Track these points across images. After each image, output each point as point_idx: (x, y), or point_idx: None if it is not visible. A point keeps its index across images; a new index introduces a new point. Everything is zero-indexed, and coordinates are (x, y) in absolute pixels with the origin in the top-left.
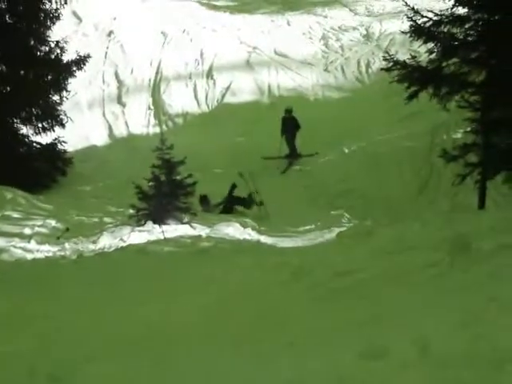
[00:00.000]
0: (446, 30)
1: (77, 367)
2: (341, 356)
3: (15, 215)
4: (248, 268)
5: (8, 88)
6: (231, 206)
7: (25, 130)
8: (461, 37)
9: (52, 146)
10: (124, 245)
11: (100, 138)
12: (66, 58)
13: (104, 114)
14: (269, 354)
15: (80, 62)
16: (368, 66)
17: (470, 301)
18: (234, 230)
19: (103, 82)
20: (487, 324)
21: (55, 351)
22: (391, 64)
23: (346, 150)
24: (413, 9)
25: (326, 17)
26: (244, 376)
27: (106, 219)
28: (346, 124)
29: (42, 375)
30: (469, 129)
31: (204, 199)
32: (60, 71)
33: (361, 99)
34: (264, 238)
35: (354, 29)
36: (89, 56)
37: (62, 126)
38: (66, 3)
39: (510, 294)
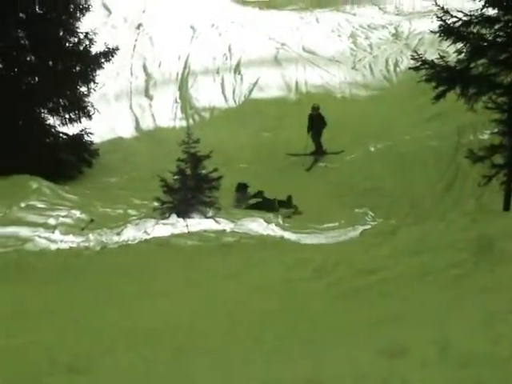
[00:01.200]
0: (475, 30)
1: (96, 358)
2: (360, 353)
3: (40, 205)
4: (271, 263)
5: (36, 78)
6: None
7: (52, 120)
8: (490, 38)
9: (79, 137)
10: (148, 237)
11: (126, 130)
12: (94, 49)
13: (131, 107)
14: (288, 351)
15: (108, 53)
16: (396, 64)
17: (493, 301)
18: (257, 225)
19: (131, 74)
20: (510, 324)
21: (76, 342)
22: (419, 63)
23: (372, 149)
24: (442, 8)
25: (354, 15)
26: (263, 372)
27: (131, 211)
28: (372, 122)
29: (62, 366)
30: (496, 130)
31: (242, 187)
32: (88, 63)
33: (388, 98)
34: (288, 235)
35: (383, 27)
36: (117, 48)
37: (89, 117)
38: None
39: None
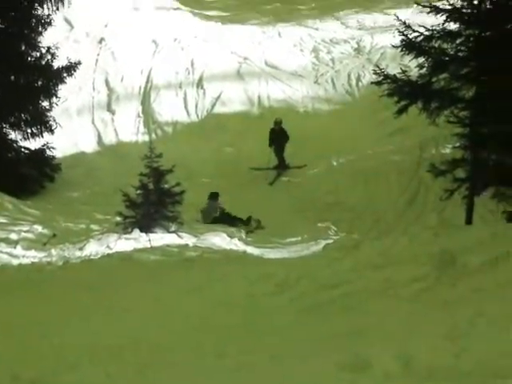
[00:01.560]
0: (436, 45)
1: (60, 374)
2: (323, 368)
3: (2, 220)
4: (233, 278)
5: None
6: (226, 222)
7: (13, 135)
8: (451, 52)
9: (40, 151)
10: (110, 252)
11: (89, 145)
12: (56, 64)
13: (93, 121)
14: (252, 366)
15: (70, 68)
16: (358, 79)
17: (455, 315)
18: (220, 240)
19: (93, 88)
20: (473, 338)
21: (39, 357)
22: (381, 78)
23: (335, 163)
24: (404, 23)
25: (317, 29)
26: None
27: (93, 226)
28: (335, 137)
29: (25, 382)
30: (457, 144)
31: (214, 196)
32: (50, 77)
33: (350, 112)
34: (250, 249)
35: (345, 42)
36: (79, 63)
37: (51, 131)
38: (57, 9)
39: (496, 309)
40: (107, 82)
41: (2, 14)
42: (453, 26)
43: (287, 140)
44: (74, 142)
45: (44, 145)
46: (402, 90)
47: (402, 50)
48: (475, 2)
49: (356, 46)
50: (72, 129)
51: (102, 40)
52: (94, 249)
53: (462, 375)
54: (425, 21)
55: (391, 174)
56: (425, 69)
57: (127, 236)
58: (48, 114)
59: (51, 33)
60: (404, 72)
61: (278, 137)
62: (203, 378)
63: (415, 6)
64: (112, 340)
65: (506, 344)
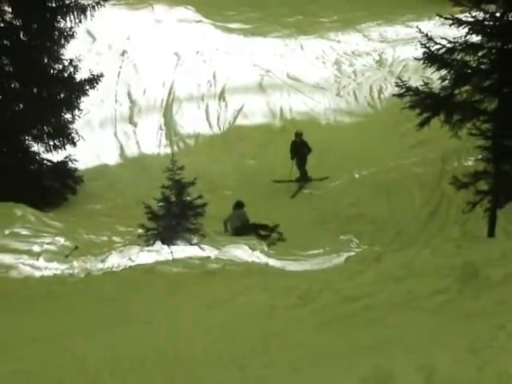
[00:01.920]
0: (459, 57)
1: None
2: (345, 381)
3: (24, 232)
4: (255, 291)
5: (21, 105)
6: (249, 232)
7: (36, 147)
8: (474, 65)
9: (63, 164)
10: (132, 264)
11: (111, 157)
12: (79, 76)
13: (116, 134)
14: (274, 379)
15: (93, 80)
16: (380, 91)
17: (478, 328)
18: (242, 252)
19: (115, 101)
20: (495, 351)
21: (61, 370)
22: (403, 90)
23: (357, 175)
24: (426, 35)
25: (339, 42)
26: None
27: (115, 238)
28: (357, 149)
29: None
30: (480, 156)
31: (239, 206)
32: (73, 90)
33: (372, 125)
34: (272, 261)
35: (367, 54)
36: (102, 75)
37: (74, 144)
38: (80, 22)
39: None
40: (129, 95)
41: (24, 27)
42: (475, 39)
43: (309, 152)
44: (97, 155)
45: (66, 157)
46: (425, 103)
47: (424, 63)
48: (497, 15)
49: (378, 58)
50: (94, 141)
51: (124, 52)
52: (115, 261)
53: None
54: (447, 33)
55: (413, 186)
56: (447, 81)
57: (149, 248)
58: (70, 126)
59: (74, 45)
60: (426, 84)
61: (300, 149)
62: None
63: (437, 18)
64: (134, 353)
65: None
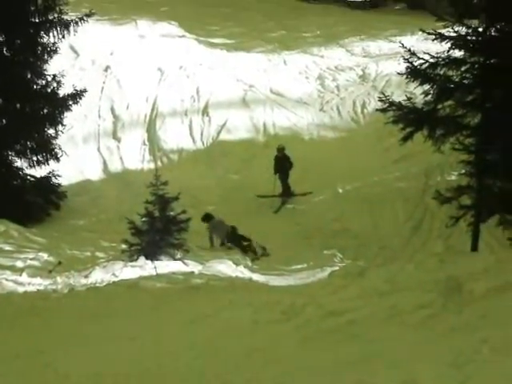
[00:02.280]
0: (442, 72)
1: None
2: None
3: (7, 248)
4: (239, 306)
5: (4, 121)
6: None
7: (19, 162)
8: (457, 79)
9: (46, 179)
10: (116, 280)
11: (94, 173)
12: (62, 91)
13: (99, 149)
14: None
15: (76, 96)
16: (363, 106)
17: (461, 342)
18: (226, 267)
19: (99, 116)
20: (478, 365)
21: None
22: (387, 105)
23: (340, 190)
24: (409, 50)
25: (322, 57)
26: None
27: (99, 254)
28: (340, 164)
29: None
30: (463, 171)
31: (209, 218)
32: (56, 105)
33: (356, 139)
34: (256, 276)
35: (351, 69)
36: (85, 90)
37: (57, 159)
38: (63, 37)
39: (502, 336)
40: (113, 110)
41: (7, 42)
42: (458, 54)
43: (291, 167)
44: (80, 170)
45: (50, 172)
46: (408, 117)
47: (407, 77)
48: (480, 29)
49: (361, 73)
50: (78, 156)
51: (107, 68)
52: (99, 276)
53: None
54: (430, 48)
55: (397, 200)
56: (430, 96)
57: (133, 263)
58: (54, 141)
59: (57, 61)
60: (409, 99)
61: (282, 164)
62: None
63: (420, 33)
64: (117, 368)
65: (509, 370)
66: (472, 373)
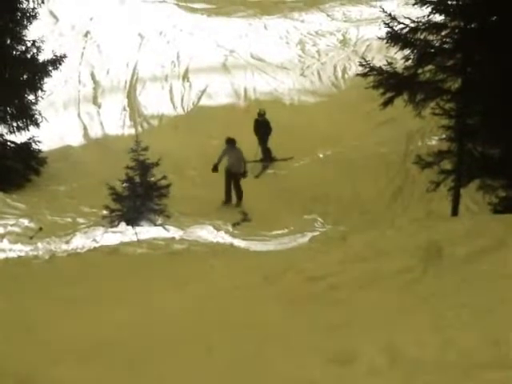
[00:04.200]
0: (422, 36)
1: (45, 369)
2: (309, 361)
3: None
4: (220, 271)
5: None
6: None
7: None
8: (437, 44)
9: (26, 145)
10: (97, 245)
11: (75, 139)
12: (42, 57)
13: (79, 115)
14: (238, 359)
15: (56, 61)
16: (344, 71)
17: (442, 307)
18: (207, 232)
19: (79, 82)
20: (458, 329)
21: (24, 352)
22: (367, 70)
23: (321, 155)
24: (390, 15)
25: (303, 21)
26: (216, 382)
27: (80, 219)
28: (321, 129)
29: (10, 376)
30: (443, 136)
31: (231, 142)
32: (36, 71)
33: (336, 104)
34: (237, 242)
35: (331, 34)
36: (65, 56)
37: (37, 125)
38: (43, 2)
39: (482, 300)
40: (93, 76)
41: None
42: (438, 18)
43: (270, 132)
44: (60, 136)
45: (30, 138)
46: (388, 82)
47: (387, 42)
48: None
49: (342, 38)
50: (58, 122)
51: (87, 33)
52: (80, 242)
53: (448, 368)
54: (410, 13)
55: (378, 165)
56: (410, 61)
57: (113, 229)
58: (34, 107)
59: (36, 26)
60: (390, 64)
61: (262, 128)
62: (194, 374)
63: None
64: (100, 334)
65: (489, 334)
66: (452, 337)
